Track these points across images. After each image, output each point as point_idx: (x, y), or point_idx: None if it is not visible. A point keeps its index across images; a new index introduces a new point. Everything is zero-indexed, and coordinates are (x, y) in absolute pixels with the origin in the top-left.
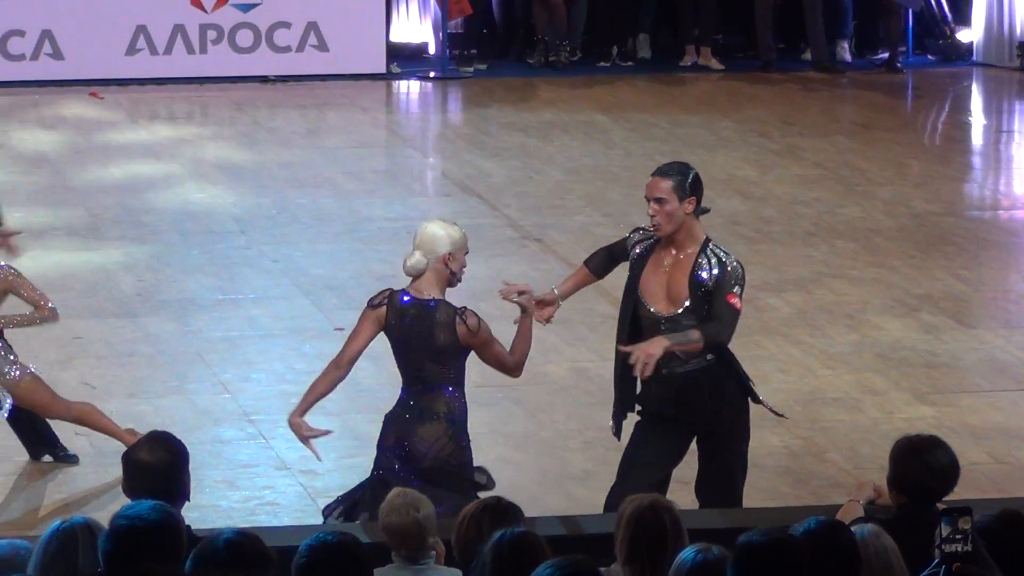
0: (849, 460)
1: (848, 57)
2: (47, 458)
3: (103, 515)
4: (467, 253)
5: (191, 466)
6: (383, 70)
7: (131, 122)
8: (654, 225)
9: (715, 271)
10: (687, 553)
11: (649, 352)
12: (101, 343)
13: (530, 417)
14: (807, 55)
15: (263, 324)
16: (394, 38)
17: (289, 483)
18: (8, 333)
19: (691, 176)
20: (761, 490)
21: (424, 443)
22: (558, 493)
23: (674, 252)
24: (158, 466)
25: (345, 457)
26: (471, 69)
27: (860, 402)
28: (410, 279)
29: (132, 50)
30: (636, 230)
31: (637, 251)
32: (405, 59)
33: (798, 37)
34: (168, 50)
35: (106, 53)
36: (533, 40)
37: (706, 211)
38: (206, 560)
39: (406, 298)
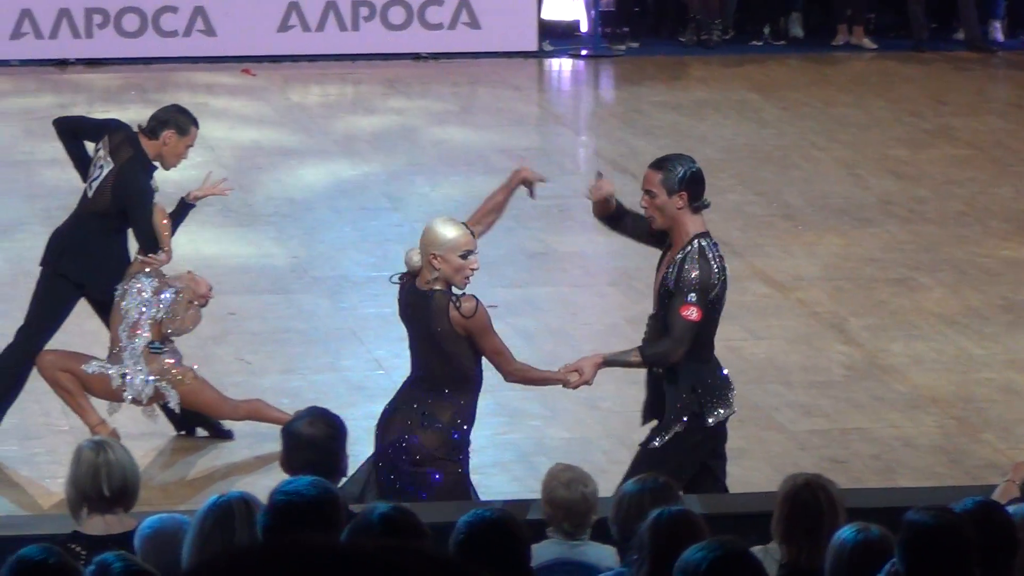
0: (1004, 440)
1: (1000, 37)
2: (202, 432)
3: (259, 491)
4: (465, 255)
5: (347, 442)
6: (535, 48)
7: (283, 99)
8: (648, 217)
9: (682, 273)
10: (847, 532)
11: (582, 372)
12: (255, 319)
13: None
14: (959, 35)
15: None
16: (546, 16)
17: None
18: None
19: (684, 171)
20: (915, 470)
21: (422, 450)
22: None
23: (670, 249)
24: (318, 439)
25: (498, 434)
26: (623, 47)
27: (1015, 382)
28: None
29: (284, 27)
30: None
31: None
32: (557, 37)
33: (950, 16)
34: (320, 27)
35: (258, 30)
36: (685, 18)
37: (705, 206)
38: (361, 534)
39: (412, 287)
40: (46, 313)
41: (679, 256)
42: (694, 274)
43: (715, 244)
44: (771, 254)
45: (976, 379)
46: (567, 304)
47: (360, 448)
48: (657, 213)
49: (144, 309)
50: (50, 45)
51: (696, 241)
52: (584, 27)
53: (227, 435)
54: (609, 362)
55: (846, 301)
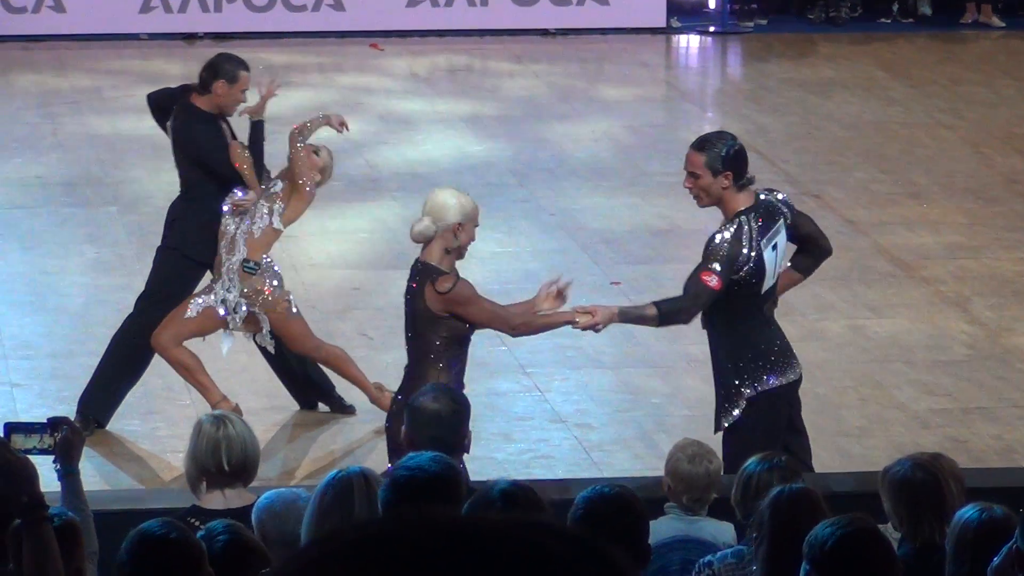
0: None
1: None
2: (323, 407)
3: (380, 466)
4: (477, 226)
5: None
6: (663, 24)
7: (411, 73)
8: (694, 197)
9: (709, 240)
10: (969, 511)
11: (594, 317)
12: (379, 294)
13: (806, 374)
14: None
15: (540, 277)
16: None
17: (564, 436)
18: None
19: (727, 149)
20: None
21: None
22: (832, 449)
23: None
24: (443, 414)
25: (620, 411)
26: (751, 24)
27: None
28: (420, 246)
29: (413, 2)
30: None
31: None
32: (685, 13)
33: None
34: (449, 2)
35: (387, 5)
36: None
37: (750, 182)
38: (482, 509)
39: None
40: (161, 286)
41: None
42: (725, 245)
43: (763, 226)
44: (896, 232)
45: None
46: None
47: (482, 424)
48: (703, 193)
49: (240, 221)
50: (179, 19)
51: (739, 218)
52: (712, 4)
53: (349, 410)
54: (624, 313)
55: (970, 280)
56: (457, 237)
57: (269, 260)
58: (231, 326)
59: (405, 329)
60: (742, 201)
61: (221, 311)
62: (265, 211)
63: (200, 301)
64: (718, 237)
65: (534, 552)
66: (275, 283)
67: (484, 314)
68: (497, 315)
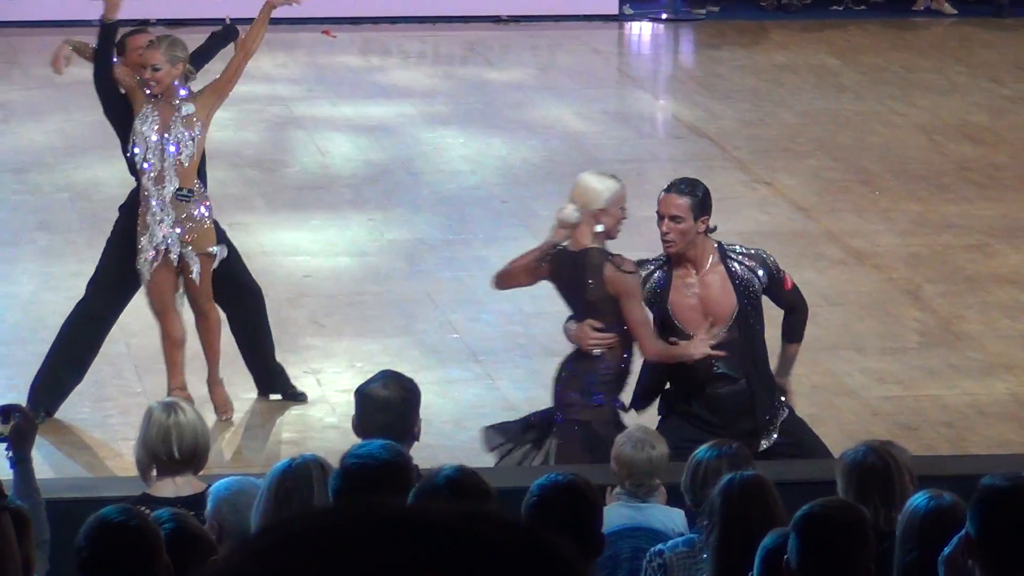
0: None
1: None
2: (275, 396)
3: (332, 454)
4: (624, 207)
5: (420, 406)
6: (616, 11)
7: (363, 61)
8: (668, 242)
9: (759, 272)
10: (919, 499)
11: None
12: (331, 282)
13: None
14: None
15: (492, 264)
16: None
17: None
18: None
19: (704, 193)
20: (987, 437)
21: (564, 401)
22: None
23: (694, 271)
24: (392, 401)
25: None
26: (704, 11)
27: None
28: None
29: None
30: (641, 263)
31: (650, 286)
32: (637, 0)
33: None
34: None
35: None
36: None
37: (713, 230)
38: (427, 497)
39: (564, 252)
40: (108, 271)
41: (731, 266)
42: (767, 259)
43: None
44: (847, 220)
45: None
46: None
47: (433, 412)
48: (680, 237)
49: (161, 152)
50: (133, 5)
51: (724, 248)
52: None
53: (301, 397)
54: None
55: (922, 267)
56: (601, 222)
57: (200, 186)
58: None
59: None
60: (710, 247)
61: (166, 259)
62: (187, 137)
63: (144, 257)
64: (764, 256)
65: (478, 543)
66: (204, 212)
67: (637, 314)
68: (645, 325)
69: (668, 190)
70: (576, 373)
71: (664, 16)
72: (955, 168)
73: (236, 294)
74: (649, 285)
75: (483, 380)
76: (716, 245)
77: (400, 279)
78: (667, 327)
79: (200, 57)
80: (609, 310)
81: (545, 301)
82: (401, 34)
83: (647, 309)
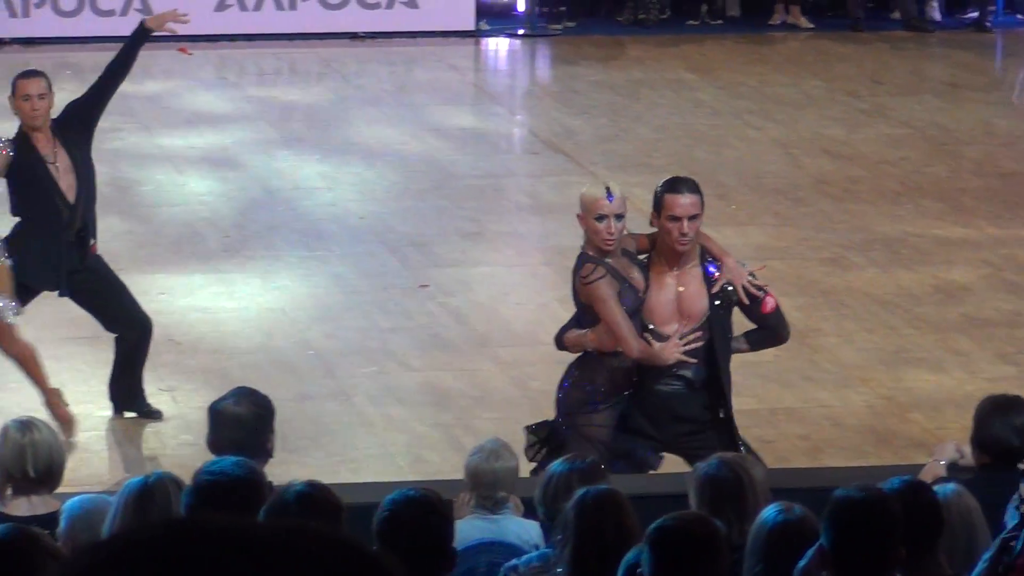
0: (932, 420)
1: (937, 16)
2: (129, 414)
3: (186, 471)
4: (600, 217)
5: (274, 423)
6: (472, 27)
7: (219, 78)
8: (683, 243)
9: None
10: (769, 512)
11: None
12: (187, 298)
13: None
14: (896, 14)
15: (349, 281)
16: None
17: (371, 440)
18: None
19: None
20: (844, 449)
21: (563, 407)
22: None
23: (674, 269)
24: (244, 418)
25: (427, 415)
26: (560, 26)
27: (944, 362)
28: None
29: (222, 6)
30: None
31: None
32: (494, 16)
33: None
34: (258, 6)
35: (195, 8)
36: None
37: None
38: (278, 513)
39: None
40: None
41: (708, 267)
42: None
43: None
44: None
45: (905, 359)
46: (500, 284)
47: (288, 428)
48: (695, 237)
49: None
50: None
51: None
52: (521, 6)
53: (156, 415)
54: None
55: (778, 280)
56: (581, 226)
57: None
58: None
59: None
60: (696, 246)
61: None
62: None
63: None
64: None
65: (301, 558)
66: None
67: (611, 316)
68: (623, 326)
69: (680, 190)
70: (579, 383)
71: (521, 32)
72: (811, 182)
73: (128, 321)
74: (627, 284)
75: (339, 396)
76: (698, 246)
77: (256, 295)
78: (581, 305)
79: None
80: (581, 307)
81: (400, 316)
82: (257, 51)
83: (620, 308)
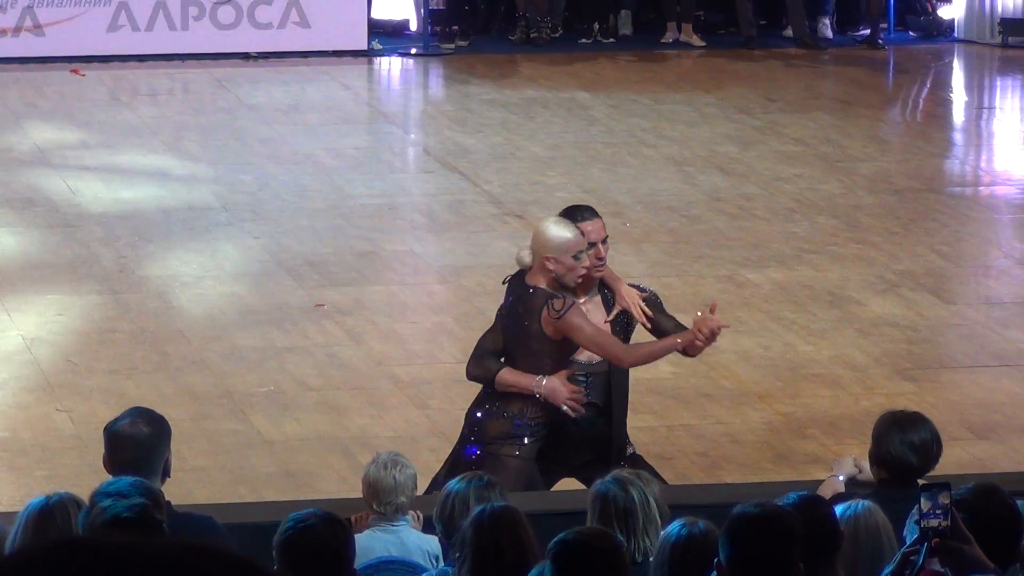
0: (830, 436)
1: (829, 33)
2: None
3: (83, 491)
4: (578, 254)
5: (172, 443)
6: (364, 47)
7: (112, 99)
8: (601, 268)
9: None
10: (673, 527)
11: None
12: (83, 319)
13: None
14: (788, 31)
15: (244, 301)
16: (376, 15)
17: (270, 459)
18: None
19: None
20: (742, 465)
21: (485, 435)
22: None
23: (583, 297)
24: (139, 439)
25: (325, 433)
26: (453, 46)
27: (841, 378)
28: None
29: (114, 27)
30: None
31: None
32: (386, 36)
33: (779, 13)
34: (150, 27)
35: (87, 30)
36: (514, 16)
37: None
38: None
39: (520, 280)
40: None
41: (607, 293)
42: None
43: None
44: None
45: (802, 375)
46: (396, 303)
47: (186, 448)
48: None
49: None
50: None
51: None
52: (414, 26)
53: None
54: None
55: (674, 298)
56: (550, 269)
57: None
58: None
59: (506, 345)
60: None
61: None
62: None
63: None
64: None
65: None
66: None
67: (592, 339)
68: (608, 341)
69: (585, 216)
70: (505, 414)
71: (413, 51)
72: (706, 199)
73: None
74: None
75: (237, 415)
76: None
77: (153, 316)
78: (545, 342)
79: None
80: (543, 349)
81: (297, 336)
82: (150, 72)
83: (593, 327)
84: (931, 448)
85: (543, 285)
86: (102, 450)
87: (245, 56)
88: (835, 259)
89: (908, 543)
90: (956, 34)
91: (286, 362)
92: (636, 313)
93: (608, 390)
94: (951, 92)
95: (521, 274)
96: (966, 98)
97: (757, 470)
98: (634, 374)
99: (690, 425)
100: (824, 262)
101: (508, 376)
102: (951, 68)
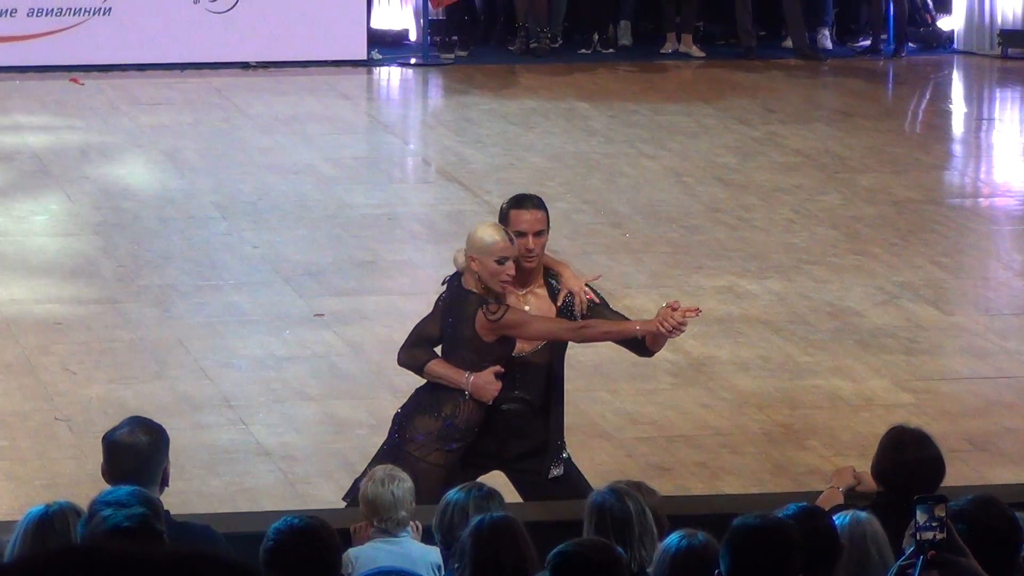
0: (829, 447)
1: (829, 44)
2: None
3: (82, 500)
4: (500, 261)
5: (171, 452)
6: (364, 57)
7: (111, 108)
8: (530, 260)
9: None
10: (672, 539)
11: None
12: (82, 329)
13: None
14: (788, 42)
15: (243, 310)
16: (375, 24)
17: (268, 469)
18: None
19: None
20: (741, 477)
21: (413, 432)
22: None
23: (521, 291)
24: (138, 448)
25: (325, 443)
26: (452, 56)
27: (840, 389)
28: None
29: (113, 36)
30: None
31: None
32: (386, 46)
33: (779, 24)
34: (149, 36)
35: (88, 39)
36: (514, 27)
37: None
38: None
39: (457, 283)
40: None
41: (554, 283)
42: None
43: None
44: (598, 262)
45: (802, 386)
46: (395, 313)
47: (185, 457)
48: (541, 253)
49: None
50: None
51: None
52: (413, 36)
53: None
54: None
55: None
56: (473, 270)
57: None
58: None
59: (443, 344)
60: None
61: None
62: None
63: None
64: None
65: None
66: None
67: (537, 330)
68: (554, 326)
69: (524, 205)
70: (437, 413)
71: (413, 61)
72: (705, 209)
73: None
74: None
75: (236, 425)
76: (541, 265)
77: (152, 326)
78: (482, 346)
79: None
80: (480, 352)
81: (296, 346)
82: (149, 81)
83: (536, 317)
84: (928, 471)
85: (475, 288)
86: (100, 459)
87: (244, 65)
88: (834, 270)
89: (905, 555)
90: (955, 45)
91: (285, 372)
92: (579, 298)
93: (543, 383)
94: (950, 103)
95: (459, 276)
96: (966, 109)
97: (756, 481)
98: (633, 384)
99: (689, 435)
100: (823, 273)
101: (437, 368)
102: (951, 79)
